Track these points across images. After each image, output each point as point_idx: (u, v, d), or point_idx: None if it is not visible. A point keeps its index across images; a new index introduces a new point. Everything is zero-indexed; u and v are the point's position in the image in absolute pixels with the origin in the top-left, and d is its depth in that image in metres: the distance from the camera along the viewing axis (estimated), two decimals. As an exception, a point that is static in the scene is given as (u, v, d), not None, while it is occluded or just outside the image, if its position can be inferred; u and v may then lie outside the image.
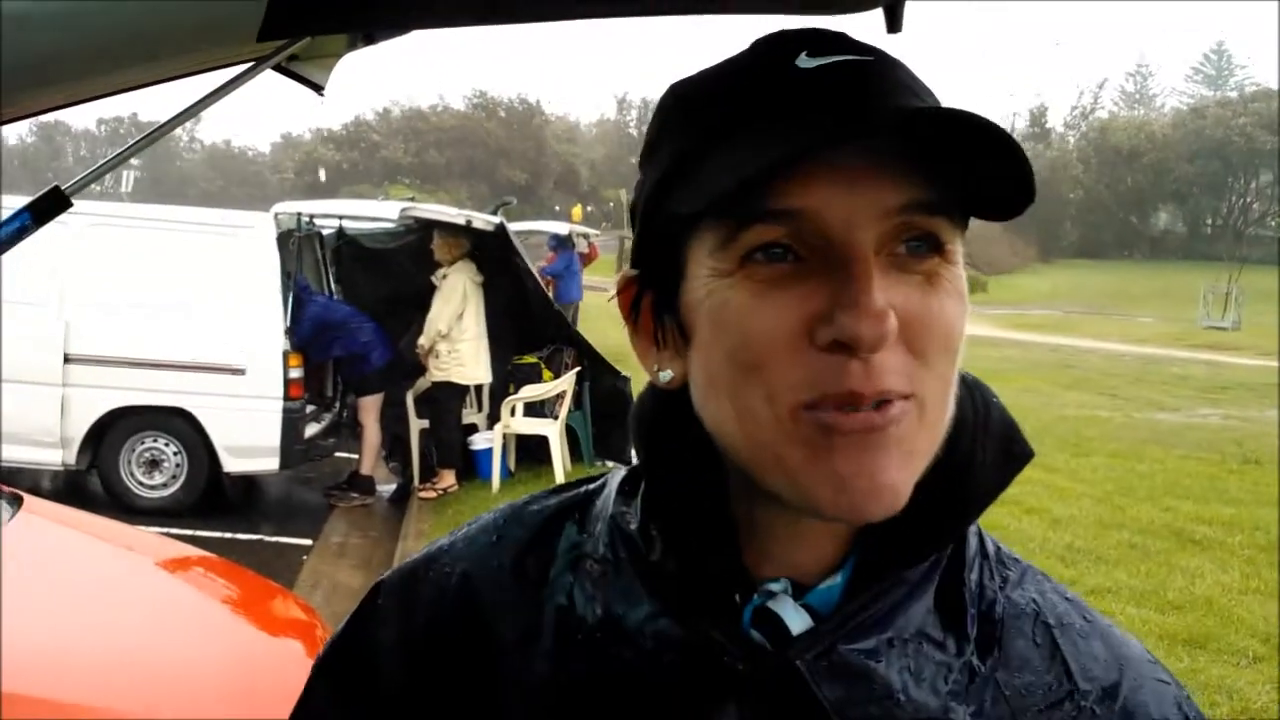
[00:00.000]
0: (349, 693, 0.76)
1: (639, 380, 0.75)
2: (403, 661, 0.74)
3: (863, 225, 0.58)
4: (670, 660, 0.65)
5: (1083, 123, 63.52)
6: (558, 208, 43.47)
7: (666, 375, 0.67)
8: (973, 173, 0.58)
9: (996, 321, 28.28)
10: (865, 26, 0.82)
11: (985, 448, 0.67)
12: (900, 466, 0.59)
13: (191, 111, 0.79)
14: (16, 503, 3.44)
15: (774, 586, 0.65)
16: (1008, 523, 7.22)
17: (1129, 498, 8.22)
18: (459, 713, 0.71)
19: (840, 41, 0.62)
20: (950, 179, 0.59)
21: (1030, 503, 7.77)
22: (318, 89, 0.92)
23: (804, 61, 0.61)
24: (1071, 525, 7.29)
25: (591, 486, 0.77)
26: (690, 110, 0.65)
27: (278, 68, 0.86)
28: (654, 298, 0.68)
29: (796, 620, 0.65)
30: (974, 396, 0.69)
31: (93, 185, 0.86)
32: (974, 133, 0.56)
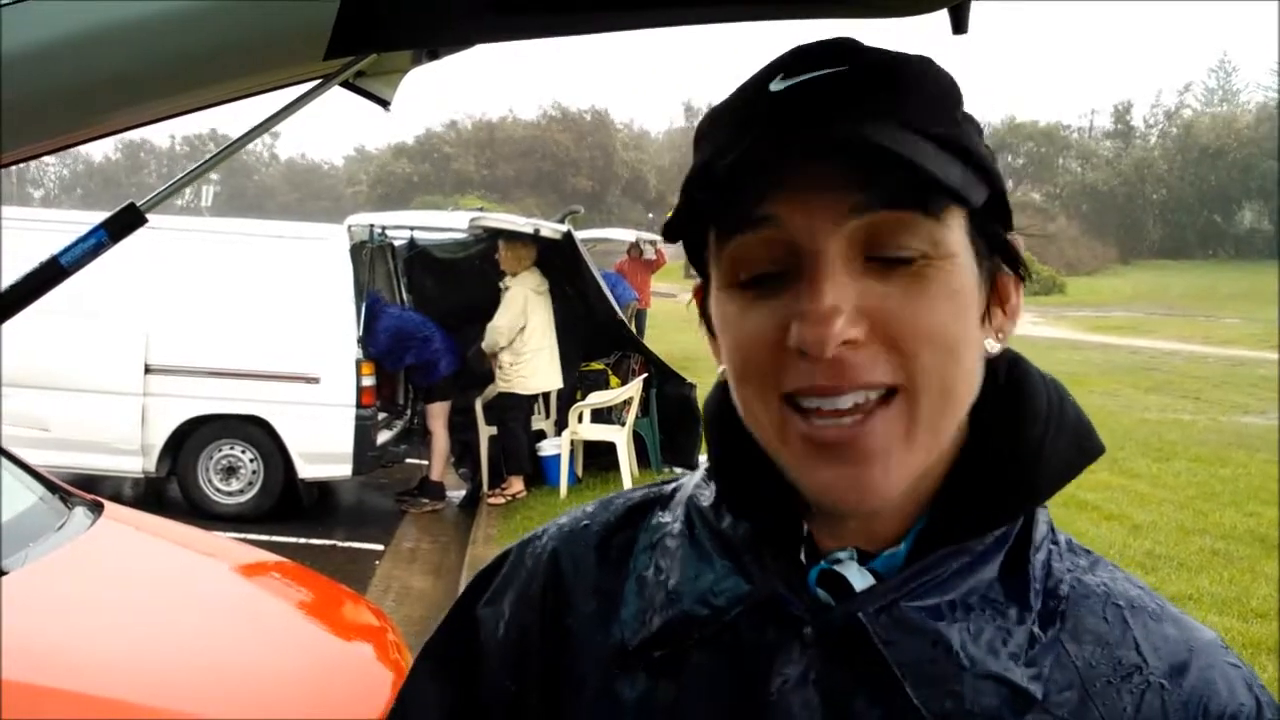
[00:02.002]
0: (449, 668, 0.82)
1: (705, 387, 0.80)
2: (497, 636, 0.79)
3: (823, 231, 0.62)
4: (738, 614, 0.70)
5: (1166, 121, 61.92)
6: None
7: (720, 369, 0.73)
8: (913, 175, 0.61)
9: (1076, 324, 27.70)
10: (931, 30, 0.82)
11: (1057, 438, 0.70)
12: (885, 470, 0.63)
13: (260, 129, 0.81)
14: (97, 509, 3.54)
15: (840, 554, 0.70)
16: (1087, 528, 7.07)
17: (1212, 503, 7.99)
18: (540, 680, 0.76)
19: (820, 57, 0.65)
20: (890, 186, 0.62)
21: (1110, 509, 7.59)
22: (384, 104, 0.94)
23: (776, 84, 0.66)
24: (1152, 531, 7.11)
25: (679, 481, 0.83)
26: (699, 135, 0.72)
27: (345, 84, 0.87)
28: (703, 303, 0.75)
29: (860, 581, 0.68)
30: (1049, 392, 0.72)
31: (174, 200, 0.88)
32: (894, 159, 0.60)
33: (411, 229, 8.81)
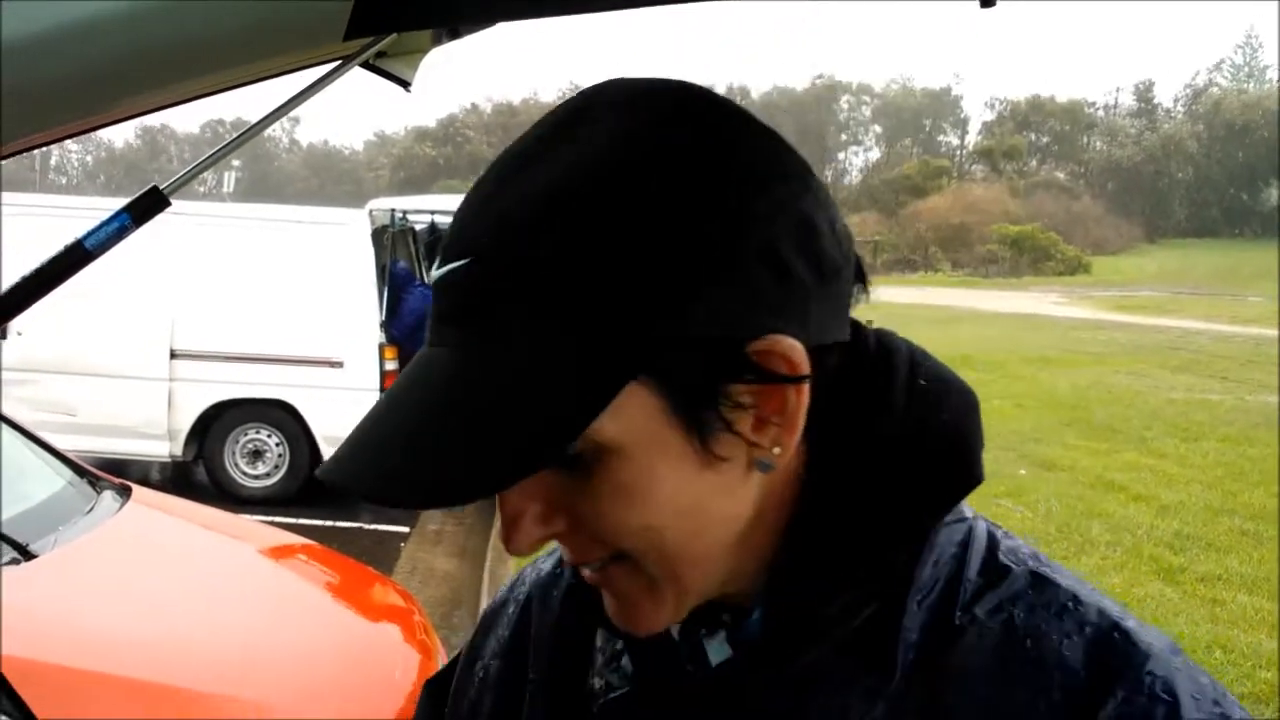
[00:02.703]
0: (437, 699, 0.85)
1: None
2: (472, 674, 0.81)
3: None
4: (631, 690, 0.70)
5: (1194, 101, 61.14)
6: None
7: None
8: None
9: (1101, 304, 27.50)
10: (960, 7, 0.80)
11: (905, 492, 0.62)
12: (638, 610, 0.62)
13: (280, 112, 0.80)
14: (125, 493, 3.57)
15: (725, 617, 0.67)
16: (1114, 509, 7.03)
17: (1240, 483, 7.93)
18: None
19: (457, 240, 0.58)
20: None
21: (1138, 489, 7.55)
22: (405, 85, 0.93)
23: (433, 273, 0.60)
24: (1180, 511, 7.06)
25: None
26: None
27: (365, 65, 0.87)
28: None
29: (717, 655, 0.66)
30: (906, 420, 0.63)
31: (196, 186, 0.88)
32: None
33: (432, 213, 8.83)
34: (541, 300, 0.53)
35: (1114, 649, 0.59)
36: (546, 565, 0.81)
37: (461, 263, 0.55)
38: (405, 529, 7.17)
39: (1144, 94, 62.31)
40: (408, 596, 3.67)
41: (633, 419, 0.55)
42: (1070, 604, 0.61)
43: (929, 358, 0.66)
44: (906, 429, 0.62)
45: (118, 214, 0.80)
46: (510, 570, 5.94)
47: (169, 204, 0.82)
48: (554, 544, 0.80)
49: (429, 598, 5.54)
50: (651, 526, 0.58)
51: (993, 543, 0.65)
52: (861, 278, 0.63)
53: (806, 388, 0.57)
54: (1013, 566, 0.63)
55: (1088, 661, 0.58)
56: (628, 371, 0.54)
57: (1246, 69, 69.81)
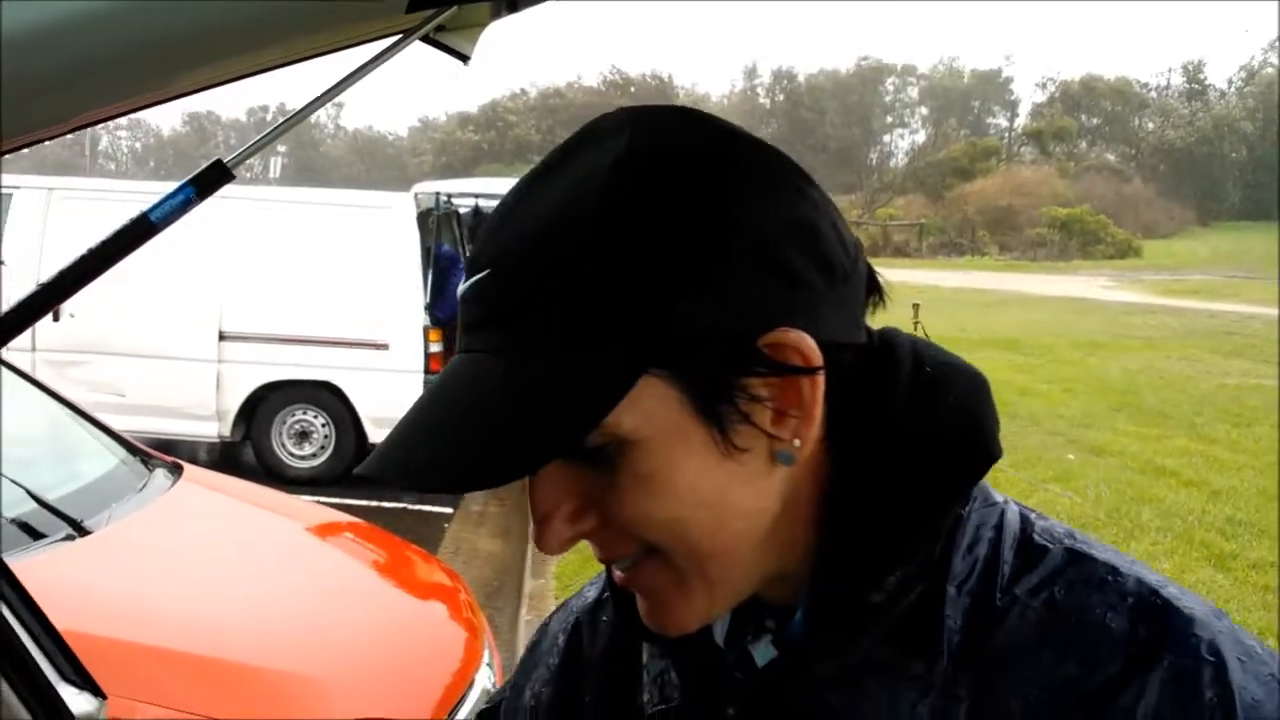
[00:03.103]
0: None
1: None
2: (522, 702, 0.84)
3: None
4: (682, 701, 0.71)
5: (1248, 81, 59.81)
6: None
7: None
8: None
9: (1151, 288, 27.06)
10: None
11: (929, 468, 0.63)
12: (671, 609, 0.64)
13: (346, 83, 0.80)
14: (177, 471, 3.63)
15: (769, 623, 0.68)
16: (1165, 495, 6.93)
17: (1294, 469, 7.77)
18: None
19: (480, 255, 0.62)
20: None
21: (1188, 474, 7.44)
22: (464, 59, 0.93)
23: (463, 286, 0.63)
24: (1232, 497, 6.95)
25: None
26: None
27: (425, 38, 0.87)
28: None
29: (763, 656, 0.68)
30: (920, 406, 0.64)
31: (243, 170, 0.88)
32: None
33: (476, 196, 8.86)
34: (555, 304, 0.57)
35: (1157, 616, 0.60)
36: (591, 593, 0.84)
37: (482, 275, 0.60)
38: (449, 510, 7.23)
39: (1194, 74, 61.09)
40: (453, 575, 3.70)
41: (651, 411, 0.57)
42: (1109, 576, 0.62)
43: (933, 346, 0.68)
44: (917, 415, 0.64)
45: (182, 187, 0.80)
46: (554, 551, 5.96)
47: (233, 177, 0.82)
48: (597, 572, 0.83)
49: (472, 578, 5.59)
50: (676, 518, 0.60)
51: (1026, 524, 0.66)
52: (876, 288, 0.66)
53: (821, 379, 0.59)
54: (1049, 545, 0.64)
55: (1132, 630, 0.59)
56: (640, 366, 0.57)
57: (1304, 48, 68.08)
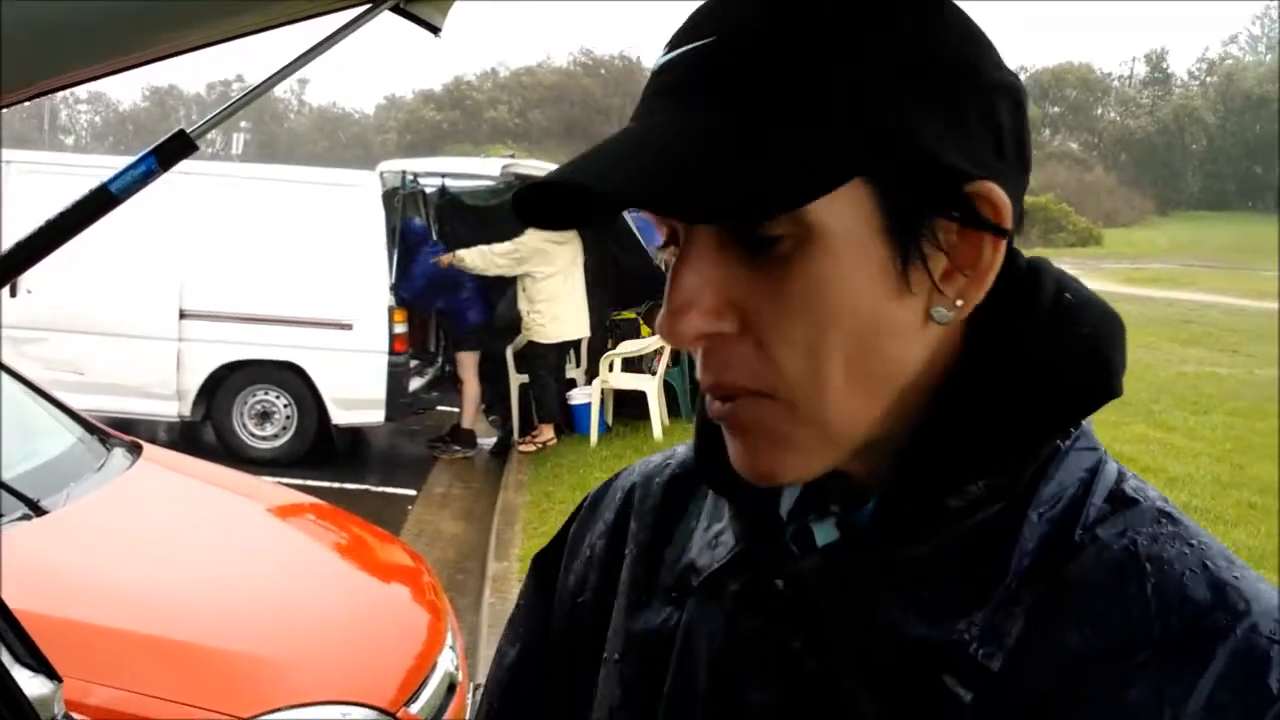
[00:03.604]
0: (549, 581, 0.85)
1: None
2: (578, 555, 0.83)
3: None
4: (726, 565, 0.69)
5: (1208, 71, 60.56)
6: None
7: None
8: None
9: (1111, 276, 27.38)
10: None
11: (1052, 384, 0.62)
12: (771, 453, 0.61)
13: (314, 52, 0.79)
14: (136, 450, 3.58)
15: (819, 521, 0.67)
16: (1120, 483, 7.03)
17: (1249, 456, 7.91)
18: (598, 599, 0.79)
19: (695, 24, 0.60)
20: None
21: (1146, 461, 7.54)
22: (435, 30, 0.91)
23: (658, 59, 0.61)
24: (1189, 484, 7.06)
25: None
26: None
27: (396, 9, 0.85)
28: None
29: (823, 538, 0.66)
30: (1057, 326, 0.63)
31: (204, 145, 0.86)
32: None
33: (443, 176, 8.79)
34: (799, 81, 0.56)
35: (1238, 590, 0.59)
36: (656, 458, 0.84)
37: (704, 41, 0.58)
38: (412, 492, 7.20)
39: (1157, 63, 61.73)
40: (416, 556, 3.68)
41: (845, 214, 0.56)
42: (1195, 542, 0.61)
43: (1076, 281, 0.67)
44: (1048, 336, 0.63)
45: (144, 157, 0.78)
46: (517, 535, 5.96)
47: (196, 148, 0.80)
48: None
49: (435, 560, 5.56)
50: (823, 339, 0.58)
51: (1121, 476, 0.65)
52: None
53: (1003, 245, 0.60)
54: (1140, 500, 0.64)
55: (1210, 597, 0.58)
56: (856, 165, 0.55)
57: (1265, 40, 69.07)
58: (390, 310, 7.29)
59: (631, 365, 7.83)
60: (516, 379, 8.03)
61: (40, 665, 1.33)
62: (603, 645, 0.78)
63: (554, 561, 0.86)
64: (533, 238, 7.38)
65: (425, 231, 8.02)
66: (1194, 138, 53.01)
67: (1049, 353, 0.62)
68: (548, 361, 7.75)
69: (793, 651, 0.65)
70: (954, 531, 0.61)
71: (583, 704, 0.78)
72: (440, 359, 8.57)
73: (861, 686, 0.61)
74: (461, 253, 7.52)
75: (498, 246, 7.44)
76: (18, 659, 1.31)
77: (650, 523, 0.78)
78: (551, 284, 7.52)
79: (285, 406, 7.53)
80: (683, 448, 0.82)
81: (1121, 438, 8.50)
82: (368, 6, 0.82)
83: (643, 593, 0.75)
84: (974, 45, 0.60)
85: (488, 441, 8.37)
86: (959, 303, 0.60)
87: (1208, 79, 59.72)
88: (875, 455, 0.63)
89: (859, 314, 0.58)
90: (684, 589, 0.73)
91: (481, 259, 7.46)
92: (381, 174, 7.74)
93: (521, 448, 7.72)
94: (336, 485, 6.97)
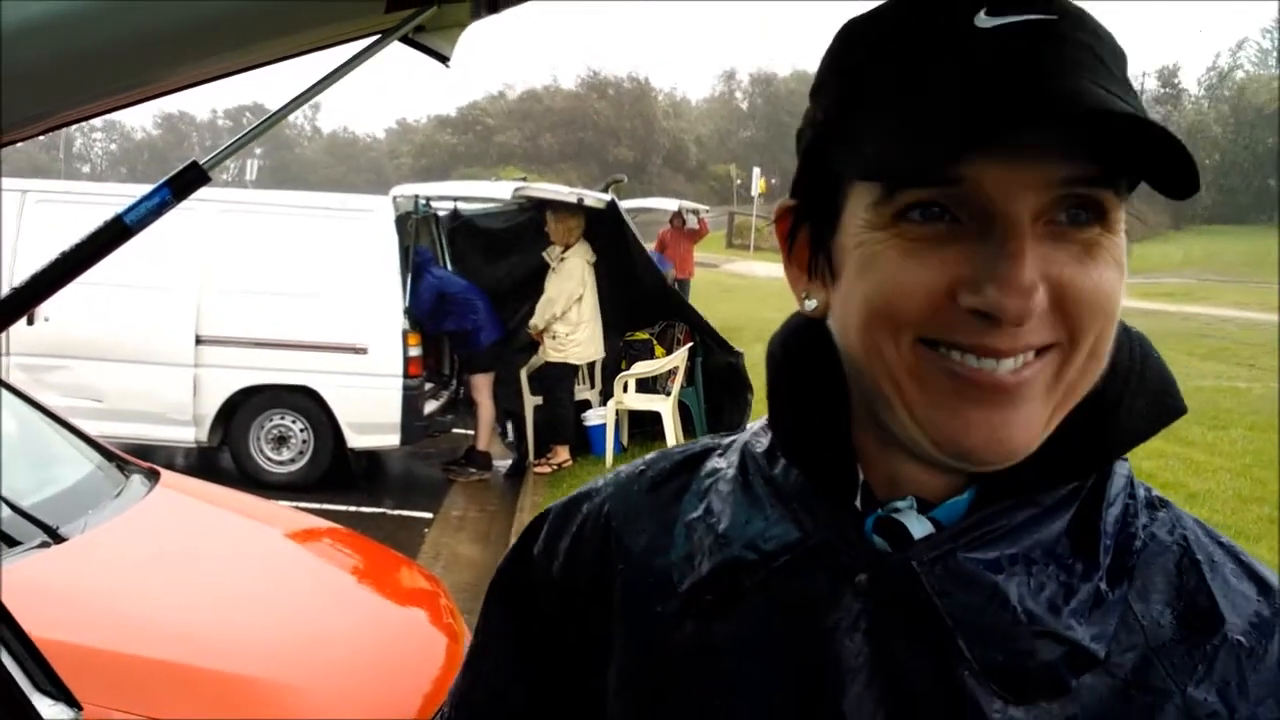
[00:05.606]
0: (514, 606, 0.84)
1: (753, 355, 0.78)
2: (554, 581, 0.81)
3: (1023, 196, 0.58)
4: (787, 561, 0.69)
5: (1220, 84, 60.35)
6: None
7: (812, 303, 0.70)
8: (1137, 162, 0.58)
9: (1126, 291, 27.13)
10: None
11: (1136, 394, 0.68)
12: (1024, 424, 0.61)
13: (325, 83, 0.80)
14: (154, 477, 3.60)
15: (900, 504, 0.67)
16: (1139, 498, 6.97)
17: (1269, 471, 7.83)
18: (593, 627, 0.76)
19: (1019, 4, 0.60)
20: (1115, 157, 0.58)
21: (1165, 477, 7.48)
22: (444, 60, 0.92)
23: (983, 20, 0.59)
24: (1209, 500, 7.00)
25: (740, 433, 0.81)
26: (861, 55, 0.65)
27: (404, 39, 0.86)
28: (810, 231, 0.69)
29: (919, 529, 0.66)
30: (1132, 347, 0.69)
31: (219, 173, 0.87)
32: (1138, 132, 0.56)
33: (455, 199, 8.83)
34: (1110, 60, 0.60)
35: (1270, 589, 0.67)
36: (624, 470, 0.83)
37: (1051, 17, 0.59)
38: (428, 515, 7.20)
39: (1168, 78, 61.59)
40: (434, 580, 3.68)
41: (1121, 212, 0.62)
42: (1223, 540, 0.70)
43: None
44: (1134, 362, 0.69)
45: (158, 188, 0.79)
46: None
47: (209, 179, 0.81)
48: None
49: (452, 583, 5.55)
50: (1110, 312, 0.62)
51: (1141, 484, 0.71)
52: None
53: None
54: (1168, 502, 0.71)
55: (1256, 593, 0.66)
56: None
57: (1275, 52, 68.80)
58: (404, 334, 7.32)
59: (645, 386, 7.83)
60: (530, 400, 8.04)
61: (60, 693, 1.33)
62: (595, 664, 0.76)
63: (514, 586, 0.84)
64: (575, 260, 7.46)
65: (430, 255, 8.04)
66: (1206, 152, 52.82)
67: (1134, 378, 0.68)
68: (564, 383, 7.76)
69: (894, 650, 0.65)
70: (1049, 527, 0.65)
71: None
72: (455, 382, 8.59)
73: (979, 681, 0.62)
74: (533, 321, 7.62)
75: (554, 294, 7.49)
76: (38, 687, 1.31)
77: (646, 531, 0.77)
78: (586, 305, 7.58)
79: (301, 431, 7.55)
80: (638, 461, 0.84)
81: (1141, 453, 8.36)
82: (377, 37, 0.83)
83: (661, 604, 0.73)
84: None
85: (503, 464, 8.38)
86: None
87: (1218, 91, 59.52)
88: None
89: (1119, 300, 0.62)
90: (723, 589, 0.70)
91: (547, 313, 7.51)
92: (394, 198, 7.79)
93: (537, 469, 7.72)
94: (353, 509, 6.97)
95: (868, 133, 0.61)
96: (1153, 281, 30.90)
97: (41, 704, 1.27)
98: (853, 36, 0.66)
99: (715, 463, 0.79)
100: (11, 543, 2.70)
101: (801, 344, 0.73)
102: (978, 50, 0.58)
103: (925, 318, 0.60)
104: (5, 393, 3.60)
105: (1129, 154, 0.57)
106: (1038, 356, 0.61)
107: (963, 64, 0.58)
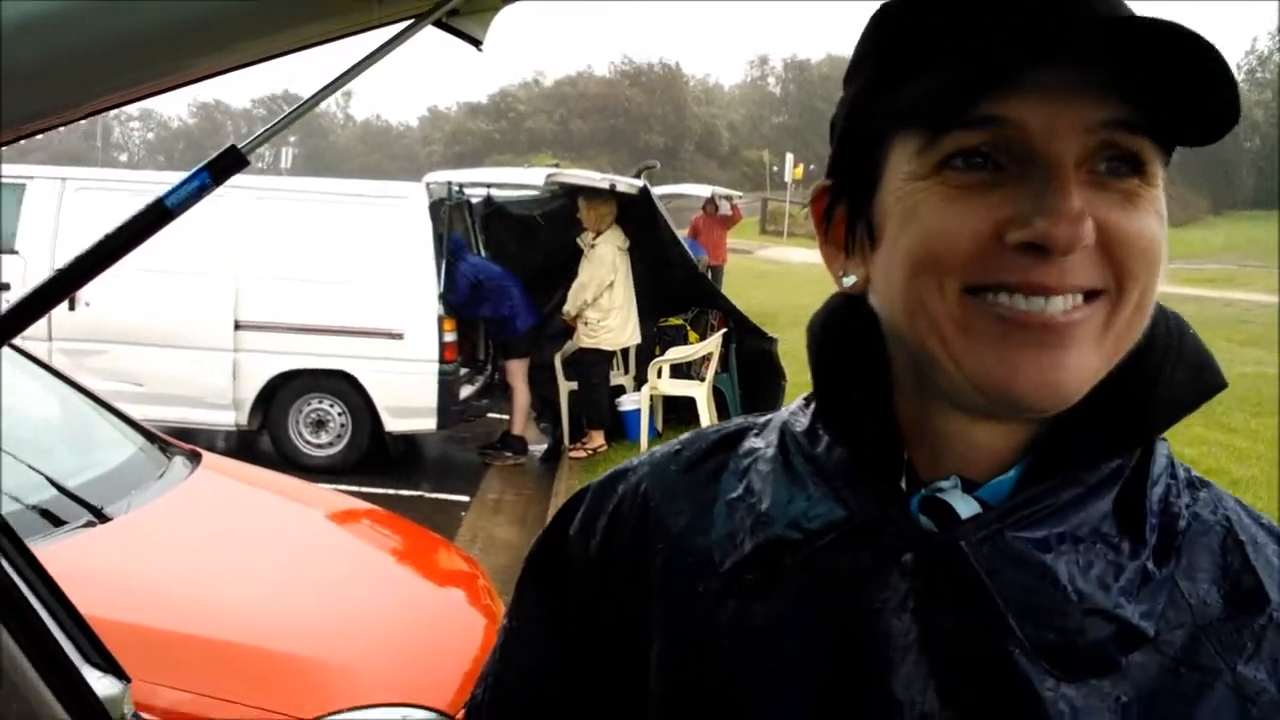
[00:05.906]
0: (551, 586, 0.83)
1: (787, 341, 0.78)
2: (591, 560, 0.80)
3: (1065, 137, 0.59)
4: (831, 540, 0.68)
5: (1260, 67, 59.16)
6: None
7: (850, 279, 0.70)
8: (1175, 88, 0.57)
9: (1167, 277, 26.85)
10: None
11: (1176, 369, 0.67)
12: (1076, 366, 0.61)
13: (359, 68, 0.81)
14: (195, 459, 3.65)
15: (944, 483, 0.67)
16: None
17: (1312, 458, 7.72)
18: (629, 606, 0.76)
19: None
20: (1153, 98, 0.58)
21: (1207, 464, 7.39)
22: (477, 44, 0.93)
23: None
24: (1252, 486, 6.91)
25: (777, 412, 0.81)
26: (896, 23, 0.66)
27: (438, 23, 0.87)
28: (848, 206, 0.70)
29: (965, 509, 0.66)
30: (1169, 323, 0.69)
31: (255, 160, 0.89)
32: (1175, 44, 0.55)
33: (488, 186, 8.86)
34: None
35: None
36: (658, 451, 0.84)
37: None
38: (465, 498, 7.26)
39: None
40: (472, 561, 3.72)
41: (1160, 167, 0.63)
42: (1265, 520, 0.70)
43: None
44: (1171, 337, 0.68)
45: (197, 172, 0.81)
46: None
47: (247, 163, 0.83)
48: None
49: (489, 565, 5.59)
50: (1156, 260, 0.62)
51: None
52: None
53: None
54: (1209, 481, 0.71)
55: None
56: None
57: (1320, 33, 67.21)
58: (440, 319, 7.37)
59: (680, 371, 7.83)
60: (565, 385, 8.07)
61: (110, 666, 1.37)
62: (630, 644, 0.75)
63: (548, 565, 0.84)
64: (607, 247, 7.47)
65: (464, 243, 8.08)
66: (1246, 136, 51.83)
67: (1174, 353, 0.68)
68: (599, 368, 7.79)
69: (943, 627, 0.64)
70: (1095, 506, 0.65)
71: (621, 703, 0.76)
72: (490, 366, 8.64)
73: (1030, 659, 0.63)
74: (566, 307, 7.68)
75: (586, 280, 7.54)
76: (88, 660, 1.35)
77: (685, 511, 0.76)
78: (619, 291, 7.59)
79: (339, 415, 7.63)
80: (674, 441, 0.84)
81: (1181, 440, 8.34)
82: (411, 21, 0.84)
83: (703, 583, 0.72)
84: None
85: (538, 448, 8.42)
86: None
87: (1259, 76, 58.35)
88: (1021, 423, 0.66)
89: (1163, 249, 0.63)
90: (765, 568, 0.70)
91: (579, 299, 7.56)
92: (428, 185, 7.83)
93: (572, 454, 7.75)
94: (391, 491, 7.04)
95: (909, 84, 0.62)
96: (1194, 267, 30.43)
97: (91, 676, 1.30)
98: (887, 20, 0.67)
99: (753, 442, 0.79)
100: (57, 522, 2.76)
101: (841, 322, 0.73)
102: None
103: (971, 261, 0.61)
104: (50, 376, 3.67)
105: (1166, 87, 0.57)
106: (1086, 302, 0.61)
107: (999, 9, 0.60)
